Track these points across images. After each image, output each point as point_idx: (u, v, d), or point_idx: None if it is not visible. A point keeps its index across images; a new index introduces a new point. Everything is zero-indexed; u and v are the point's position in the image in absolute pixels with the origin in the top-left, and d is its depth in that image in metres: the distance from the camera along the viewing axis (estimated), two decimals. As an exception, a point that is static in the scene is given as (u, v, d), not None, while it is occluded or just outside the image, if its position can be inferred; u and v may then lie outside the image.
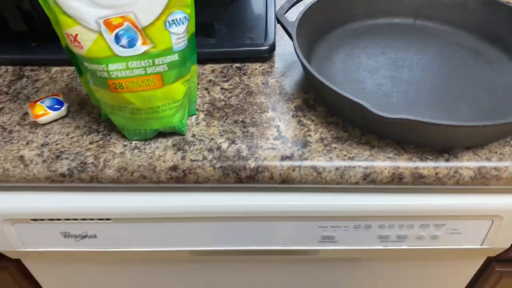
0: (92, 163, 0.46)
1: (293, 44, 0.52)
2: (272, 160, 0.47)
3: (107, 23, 0.40)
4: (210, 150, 0.47)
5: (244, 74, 0.58)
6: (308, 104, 0.53)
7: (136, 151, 0.47)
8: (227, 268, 0.61)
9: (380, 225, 0.51)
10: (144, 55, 0.41)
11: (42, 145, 0.48)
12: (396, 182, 0.47)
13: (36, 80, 0.57)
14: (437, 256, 0.56)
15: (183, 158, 0.47)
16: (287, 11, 0.57)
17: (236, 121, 0.51)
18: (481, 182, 0.46)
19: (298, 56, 0.50)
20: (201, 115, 0.52)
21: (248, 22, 0.64)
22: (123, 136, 0.49)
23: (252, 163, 0.46)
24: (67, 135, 0.49)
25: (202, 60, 0.59)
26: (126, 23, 0.40)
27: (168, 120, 0.46)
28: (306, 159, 0.47)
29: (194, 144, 0.48)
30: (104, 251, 0.54)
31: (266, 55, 0.60)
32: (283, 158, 0.47)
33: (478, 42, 0.62)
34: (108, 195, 0.49)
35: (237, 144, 0.48)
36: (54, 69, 0.59)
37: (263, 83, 0.56)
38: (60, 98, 0.52)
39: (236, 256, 0.58)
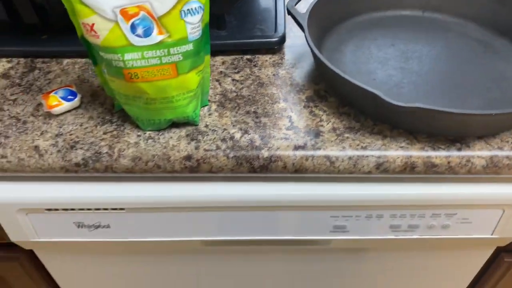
0: (106, 152, 0.47)
1: (305, 35, 0.52)
2: (285, 149, 0.47)
3: (124, 12, 0.40)
4: (223, 140, 0.48)
5: (254, 65, 0.58)
6: (319, 95, 0.54)
7: (150, 141, 0.48)
8: (238, 259, 0.62)
9: (392, 214, 0.51)
10: (160, 44, 0.42)
11: (57, 135, 0.48)
12: (409, 171, 0.47)
13: (48, 72, 0.57)
14: (447, 246, 0.57)
15: (196, 148, 0.47)
16: (297, 3, 0.58)
17: (248, 112, 0.51)
18: (493, 171, 0.47)
19: (310, 47, 0.50)
20: (213, 106, 0.52)
21: (258, 14, 0.64)
22: (137, 127, 0.49)
23: (265, 153, 0.47)
24: (80, 125, 0.50)
25: (213, 52, 0.59)
26: (142, 13, 0.40)
27: (182, 110, 0.47)
28: (319, 148, 0.47)
29: (207, 134, 0.48)
30: (116, 241, 0.54)
31: (276, 47, 0.60)
32: (296, 147, 0.47)
33: (488, 33, 0.62)
34: (122, 185, 0.50)
35: (250, 134, 0.48)
36: (66, 61, 0.59)
37: (273, 75, 0.57)
38: (73, 89, 0.52)
39: (246, 246, 0.58)
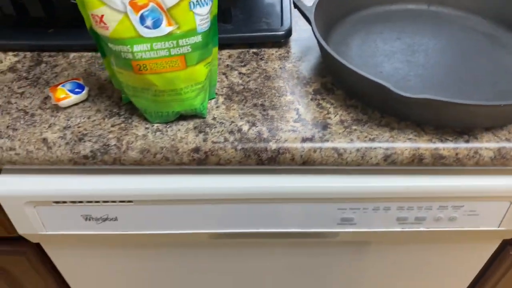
0: (115, 145, 0.47)
1: (312, 28, 0.52)
2: (293, 142, 0.47)
3: (133, 3, 0.40)
4: (231, 132, 0.48)
5: (261, 59, 0.58)
6: (326, 88, 0.54)
7: (158, 133, 0.48)
8: (243, 254, 0.62)
9: (399, 206, 0.51)
10: (169, 36, 0.42)
11: (65, 128, 0.48)
12: (417, 163, 0.47)
13: (54, 66, 0.57)
14: (453, 238, 0.57)
15: (204, 140, 0.47)
16: (303, -4, 0.58)
17: (255, 105, 0.51)
18: (501, 163, 0.47)
19: (317, 39, 0.50)
20: (221, 99, 0.52)
21: (264, 7, 0.64)
22: (145, 119, 0.49)
23: (273, 145, 0.47)
24: (88, 118, 0.50)
25: (219, 46, 0.59)
26: (151, 4, 0.40)
27: (190, 102, 0.47)
28: (327, 140, 0.47)
29: (215, 127, 0.48)
30: (124, 234, 0.54)
31: (282, 40, 0.60)
32: (304, 140, 0.47)
33: (493, 26, 0.62)
34: (130, 178, 0.50)
35: (257, 126, 0.48)
36: (72, 54, 0.59)
37: (280, 68, 0.57)
38: (81, 82, 0.52)
39: (253, 240, 0.58)
